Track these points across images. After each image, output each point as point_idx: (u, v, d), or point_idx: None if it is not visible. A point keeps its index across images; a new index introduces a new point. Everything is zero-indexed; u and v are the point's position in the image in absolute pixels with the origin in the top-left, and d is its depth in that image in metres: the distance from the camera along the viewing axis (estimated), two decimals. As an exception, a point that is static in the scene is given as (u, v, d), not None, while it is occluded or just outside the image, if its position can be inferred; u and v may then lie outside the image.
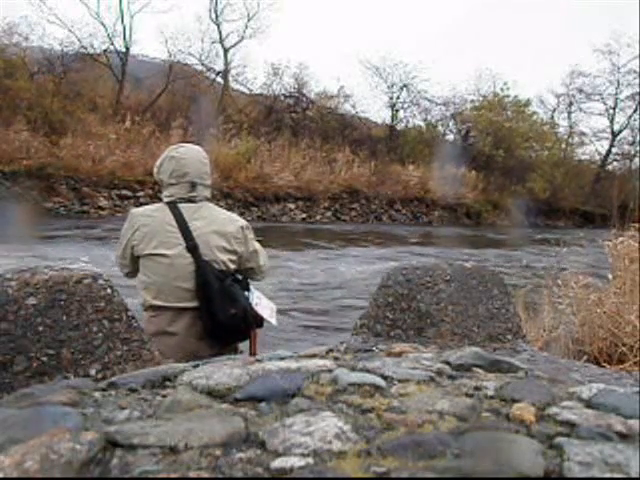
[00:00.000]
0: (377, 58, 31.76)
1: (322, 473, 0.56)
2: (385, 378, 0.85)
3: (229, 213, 2.25)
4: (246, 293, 2.13)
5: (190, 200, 2.13)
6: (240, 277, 2.19)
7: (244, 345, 2.19)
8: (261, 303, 2.15)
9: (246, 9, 22.37)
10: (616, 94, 25.35)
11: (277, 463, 0.58)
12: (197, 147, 2.27)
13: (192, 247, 2.03)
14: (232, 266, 2.13)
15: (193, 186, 2.13)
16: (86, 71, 17.18)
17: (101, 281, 1.42)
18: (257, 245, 2.25)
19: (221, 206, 2.39)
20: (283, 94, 21.22)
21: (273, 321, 2.15)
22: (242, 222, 2.20)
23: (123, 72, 17.81)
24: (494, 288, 2.24)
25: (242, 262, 2.20)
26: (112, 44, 17.95)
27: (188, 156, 2.14)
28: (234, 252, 2.13)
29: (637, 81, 24.14)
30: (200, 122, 16.30)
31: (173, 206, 2.10)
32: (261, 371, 0.86)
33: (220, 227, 2.11)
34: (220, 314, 2.00)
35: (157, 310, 2.04)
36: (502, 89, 23.26)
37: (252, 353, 2.05)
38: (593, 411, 0.73)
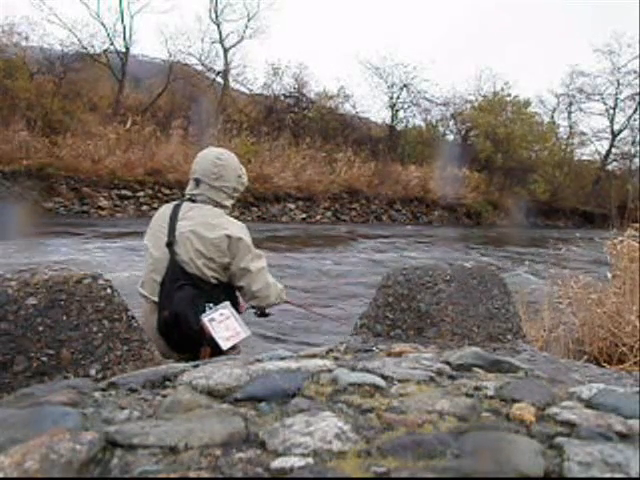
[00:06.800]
0: (377, 58, 31.88)
1: (322, 473, 0.56)
2: (385, 378, 0.85)
3: (227, 219, 2.10)
4: (210, 305, 1.95)
5: (191, 199, 2.14)
6: (222, 288, 2.05)
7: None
8: (222, 321, 1.93)
9: (246, 9, 22.46)
10: (616, 94, 25.38)
11: (277, 463, 0.58)
12: (220, 150, 2.20)
13: (169, 244, 2.03)
14: (211, 273, 2.00)
15: (197, 183, 2.13)
16: (86, 71, 17.17)
17: (101, 281, 1.42)
18: (254, 266, 2.06)
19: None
20: (283, 94, 21.23)
21: (223, 345, 1.90)
22: (231, 232, 2.02)
23: (123, 72, 17.81)
24: (494, 288, 2.24)
25: (231, 277, 2.06)
26: (112, 44, 17.99)
27: (202, 155, 2.17)
28: (212, 260, 2.00)
29: (637, 81, 24.17)
30: (200, 122, 16.30)
31: (177, 203, 2.15)
32: (261, 371, 0.86)
33: (201, 230, 2.01)
34: (159, 314, 1.98)
35: (144, 299, 2.08)
36: (502, 88, 23.31)
37: None
38: (593, 411, 0.73)
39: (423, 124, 23.80)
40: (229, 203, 2.19)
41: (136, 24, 18.29)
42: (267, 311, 2.25)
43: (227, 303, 2.00)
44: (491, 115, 22.00)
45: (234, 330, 1.95)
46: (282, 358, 0.97)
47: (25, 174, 12.53)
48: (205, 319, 1.91)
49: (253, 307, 2.23)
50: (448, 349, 1.10)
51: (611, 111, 25.73)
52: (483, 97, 23.74)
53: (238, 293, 2.17)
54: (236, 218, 2.21)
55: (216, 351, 1.92)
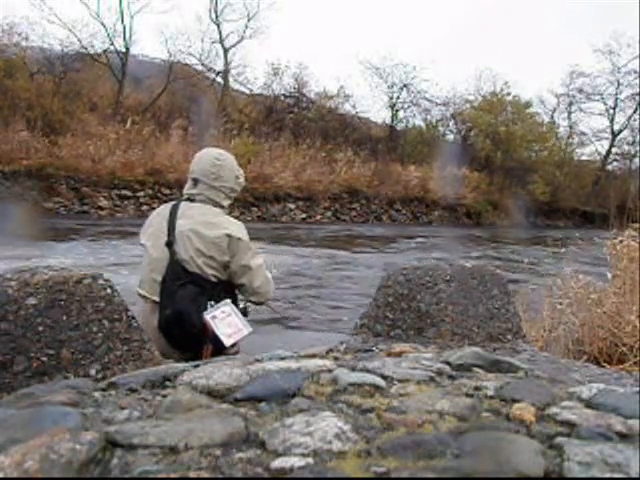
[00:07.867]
0: (377, 58, 31.91)
1: (322, 473, 0.56)
2: (385, 378, 0.85)
3: (226, 218, 2.12)
4: (212, 302, 1.97)
5: (190, 198, 2.15)
6: (222, 286, 2.06)
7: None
8: (224, 318, 1.95)
9: (246, 9, 22.52)
10: (616, 94, 25.40)
11: (277, 463, 0.58)
12: (219, 150, 2.23)
13: (168, 243, 2.03)
14: (211, 272, 2.02)
15: (195, 183, 2.14)
16: (86, 71, 17.19)
17: (101, 281, 1.42)
18: (254, 263, 2.09)
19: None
20: (283, 94, 21.25)
21: (225, 341, 1.92)
22: (231, 230, 2.05)
23: (123, 72, 17.82)
24: (494, 288, 2.24)
25: (231, 275, 2.08)
26: (112, 44, 18.00)
27: (200, 155, 2.19)
28: (212, 258, 2.02)
29: (637, 81, 24.17)
30: (200, 122, 16.31)
31: (175, 203, 2.16)
32: (261, 371, 0.86)
33: (201, 229, 2.02)
34: (161, 313, 1.98)
35: (143, 299, 2.07)
36: (502, 88, 23.32)
37: None
38: (593, 411, 0.73)
39: (423, 124, 23.83)
40: (227, 203, 2.20)
41: (136, 24, 18.37)
42: (248, 310, 2.24)
43: (228, 301, 2.03)
44: (491, 115, 22.00)
45: (236, 327, 1.98)
46: (282, 358, 0.97)
47: (25, 174, 12.53)
48: (207, 316, 1.93)
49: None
50: (448, 349, 1.10)
51: (611, 111, 25.77)
52: (483, 97, 23.74)
53: (237, 291, 2.17)
54: (236, 218, 2.23)
55: (218, 348, 1.94)
